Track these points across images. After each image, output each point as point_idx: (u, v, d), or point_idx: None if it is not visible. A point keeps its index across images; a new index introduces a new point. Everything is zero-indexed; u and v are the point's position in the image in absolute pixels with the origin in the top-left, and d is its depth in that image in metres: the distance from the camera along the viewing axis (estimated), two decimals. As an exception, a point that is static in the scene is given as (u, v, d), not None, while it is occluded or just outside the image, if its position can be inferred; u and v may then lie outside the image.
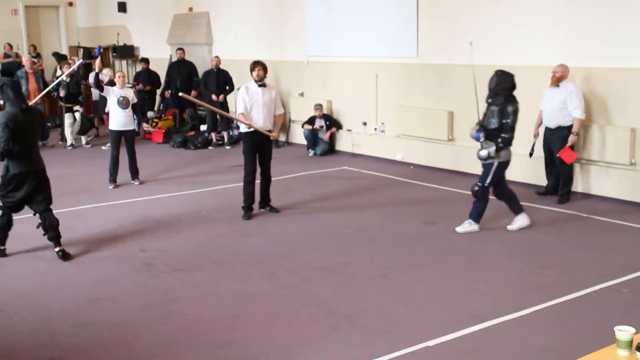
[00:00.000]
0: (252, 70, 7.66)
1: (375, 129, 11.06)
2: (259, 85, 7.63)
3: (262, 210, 7.93)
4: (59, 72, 13.47)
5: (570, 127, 7.88)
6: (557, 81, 7.90)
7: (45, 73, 15.15)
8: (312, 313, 5.09)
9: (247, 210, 7.74)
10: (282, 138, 12.46)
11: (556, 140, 7.99)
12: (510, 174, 9.08)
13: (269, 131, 7.75)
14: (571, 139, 7.85)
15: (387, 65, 10.69)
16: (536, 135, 8.30)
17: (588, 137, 8.15)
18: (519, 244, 6.60)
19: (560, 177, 8.14)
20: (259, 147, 7.71)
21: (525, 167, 8.68)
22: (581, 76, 8.23)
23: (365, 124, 11.21)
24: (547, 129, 8.13)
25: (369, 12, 10.86)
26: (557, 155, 7.92)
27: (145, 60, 14.62)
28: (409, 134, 10.45)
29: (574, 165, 8.15)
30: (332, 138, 11.70)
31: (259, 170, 7.84)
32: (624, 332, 2.87)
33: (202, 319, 5.01)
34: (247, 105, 7.60)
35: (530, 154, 8.28)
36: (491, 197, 7.12)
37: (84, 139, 13.05)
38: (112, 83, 10.40)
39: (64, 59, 14.81)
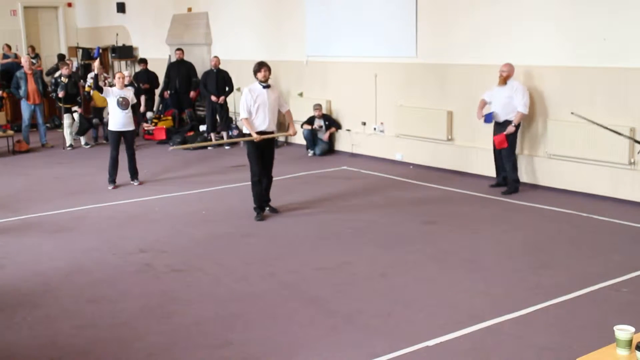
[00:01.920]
0: (257, 71, 7.53)
1: (375, 128, 11.06)
2: (264, 87, 7.55)
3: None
4: (57, 73, 13.48)
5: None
6: (504, 80, 8.46)
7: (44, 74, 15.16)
8: (311, 313, 5.10)
9: (259, 210, 7.70)
10: (282, 138, 12.45)
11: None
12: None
13: (272, 132, 7.68)
14: (509, 128, 8.46)
15: (386, 65, 10.70)
16: (480, 117, 8.80)
17: (588, 136, 8.16)
18: (519, 244, 6.60)
19: (506, 166, 8.65)
20: (263, 148, 7.62)
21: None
22: (581, 76, 8.23)
23: (364, 123, 11.21)
24: (496, 123, 8.66)
25: (368, 12, 10.87)
26: (493, 138, 8.57)
27: (144, 61, 14.64)
28: (408, 134, 10.45)
29: (514, 154, 8.63)
30: (332, 138, 11.70)
31: None
32: (623, 331, 2.87)
33: (201, 319, 5.01)
34: (252, 109, 7.50)
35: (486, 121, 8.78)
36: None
37: (83, 140, 13.05)
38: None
39: (62, 60, 14.84)
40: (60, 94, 12.58)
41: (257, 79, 7.57)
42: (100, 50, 12.19)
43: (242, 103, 7.56)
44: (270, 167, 7.81)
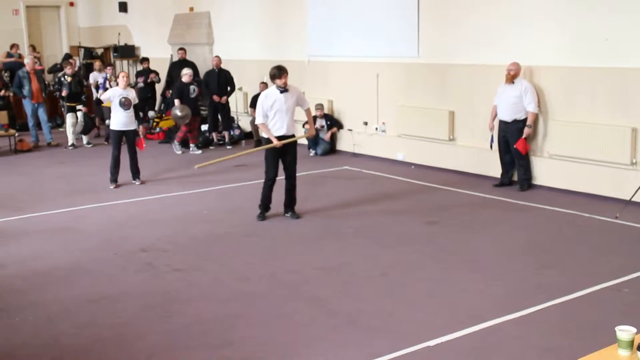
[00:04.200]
0: (277, 77, 7.16)
1: (376, 128, 11.05)
2: (282, 91, 7.27)
3: (286, 215, 7.67)
4: (60, 73, 13.49)
5: (525, 120, 8.51)
6: (512, 78, 8.48)
7: (44, 73, 15.18)
8: (312, 313, 5.10)
9: (263, 210, 7.59)
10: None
11: (513, 132, 8.61)
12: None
13: (292, 135, 7.49)
14: (526, 131, 8.50)
15: (388, 65, 10.69)
16: (492, 129, 8.90)
17: (589, 137, 8.15)
18: (520, 244, 6.59)
19: (517, 167, 8.73)
20: (282, 152, 7.44)
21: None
22: (582, 76, 8.22)
23: (366, 123, 11.21)
24: (503, 123, 8.70)
25: (369, 12, 10.86)
26: (514, 146, 8.54)
27: (147, 60, 14.68)
28: (409, 134, 10.45)
29: (529, 155, 8.74)
30: (333, 138, 11.70)
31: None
32: (625, 332, 2.87)
33: (202, 319, 5.02)
34: (268, 114, 7.28)
35: (491, 146, 8.92)
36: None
37: (85, 139, 13.04)
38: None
39: (66, 59, 14.87)
40: (63, 93, 12.60)
41: (275, 83, 7.26)
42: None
43: (257, 108, 7.31)
44: (293, 170, 7.56)
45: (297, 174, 7.65)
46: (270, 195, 7.59)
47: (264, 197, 7.59)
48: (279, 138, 7.36)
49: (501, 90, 8.66)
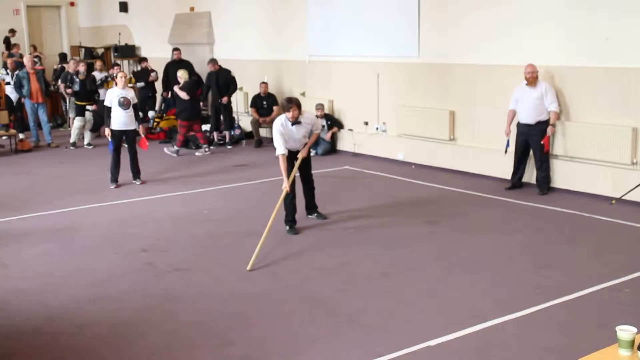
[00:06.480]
0: (286, 110, 7.05)
1: (377, 128, 11.05)
2: (293, 124, 7.11)
3: (309, 217, 7.61)
4: (71, 70, 13.45)
5: (547, 120, 8.41)
6: (535, 81, 8.38)
7: (46, 73, 15.15)
8: (313, 313, 5.10)
9: (291, 222, 7.27)
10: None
11: (537, 134, 8.48)
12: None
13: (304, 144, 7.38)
14: (550, 130, 8.39)
15: (388, 65, 10.69)
16: (508, 134, 8.71)
17: (590, 137, 8.15)
18: (520, 244, 6.59)
19: (537, 169, 8.58)
20: (295, 157, 7.31)
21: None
22: (583, 76, 8.22)
23: (366, 123, 11.21)
24: (525, 126, 8.55)
25: (370, 12, 10.86)
26: (541, 142, 8.41)
27: (145, 60, 14.69)
28: (410, 134, 10.44)
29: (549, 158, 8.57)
30: (334, 138, 11.70)
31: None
32: (625, 331, 2.87)
33: (203, 319, 5.02)
34: (286, 139, 7.13)
35: (506, 151, 8.73)
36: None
37: (86, 139, 13.00)
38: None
39: (63, 60, 14.89)
40: (68, 90, 12.62)
41: (286, 115, 7.14)
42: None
43: (276, 138, 7.07)
44: (308, 172, 7.51)
45: (296, 174, 7.62)
46: (291, 206, 7.26)
47: (286, 209, 7.26)
48: (292, 152, 7.26)
49: (520, 93, 8.49)
